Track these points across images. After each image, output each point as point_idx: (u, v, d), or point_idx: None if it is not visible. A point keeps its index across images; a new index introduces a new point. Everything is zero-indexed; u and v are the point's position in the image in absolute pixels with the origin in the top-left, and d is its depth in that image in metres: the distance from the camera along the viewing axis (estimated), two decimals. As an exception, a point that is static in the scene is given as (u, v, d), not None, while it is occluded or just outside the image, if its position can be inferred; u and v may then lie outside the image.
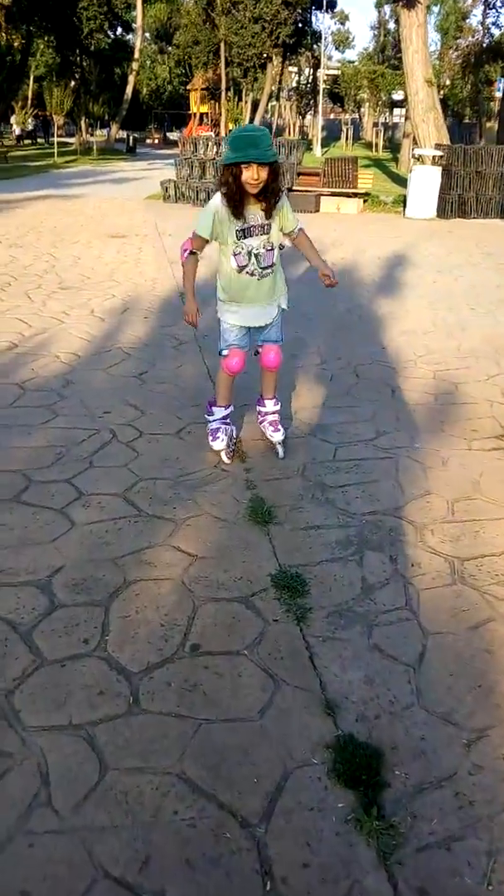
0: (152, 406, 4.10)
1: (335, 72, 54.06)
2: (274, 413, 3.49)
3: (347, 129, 42.38)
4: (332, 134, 52.58)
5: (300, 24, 34.10)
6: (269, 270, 3.12)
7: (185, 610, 2.35)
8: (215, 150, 15.16)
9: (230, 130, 3.28)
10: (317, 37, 41.66)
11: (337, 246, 10.06)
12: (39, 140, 40.13)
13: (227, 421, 3.45)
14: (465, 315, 6.43)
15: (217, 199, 2.97)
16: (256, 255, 3.05)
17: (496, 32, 36.92)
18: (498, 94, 40.21)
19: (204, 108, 40.05)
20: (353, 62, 58.37)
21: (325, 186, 14.36)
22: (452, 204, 13.99)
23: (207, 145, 15.31)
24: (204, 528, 2.85)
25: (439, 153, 14.17)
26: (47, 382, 4.42)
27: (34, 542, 2.72)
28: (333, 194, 14.39)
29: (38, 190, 16.70)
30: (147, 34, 47.15)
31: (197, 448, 3.55)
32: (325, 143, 42.69)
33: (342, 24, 62.97)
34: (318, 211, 14.20)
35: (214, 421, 3.43)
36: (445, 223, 13.38)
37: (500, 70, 38.88)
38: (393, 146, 38.41)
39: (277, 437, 3.45)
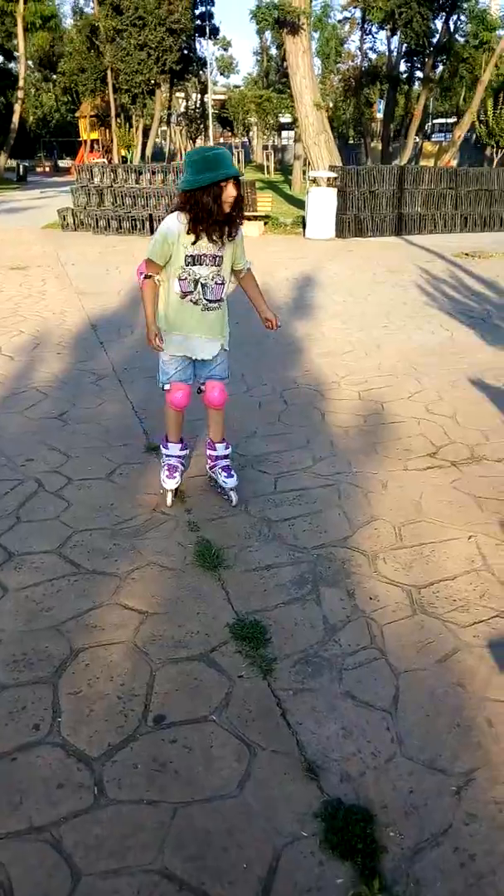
0: (77, 449, 3.89)
1: (222, 97, 54.98)
2: (225, 458, 3.28)
3: (238, 153, 43.06)
4: (224, 157, 53.22)
5: (185, 51, 34.44)
6: (215, 305, 2.98)
7: (143, 676, 2.18)
8: (112, 176, 14.98)
9: (187, 155, 2.90)
10: (202, 63, 42.25)
11: (244, 269, 10.08)
12: None
13: (182, 458, 3.29)
14: (378, 333, 6.54)
15: (171, 221, 2.82)
16: (203, 286, 2.92)
17: (373, 56, 38.54)
18: (379, 116, 42.03)
19: (94, 135, 39.67)
20: (238, 87, 59.58)
21: (225, 210, 14.43)
22: (350, 223, 14.37)
23: (104, 172, 15.11)
24: (151, 581, 2.68)
25: (333, 175, 14.54)
26: (-41, 431, 4.12)
27: (-36, 615, 2.47)
28: (234, 217, 14.47)
29: None
30: (30, 62, 46.38)
31: (131, 491, 3.38)
32: (219, 166, 43.10)
33: (225, 49, 64.22)
34: (220, 234, 14.24)
35: (171, 457, 3.25)
36: (345, 243, 13.73)
37: (378, 92, 40.66)
38: (284, 168, 39.34)
39: (231, 482, 3.24)
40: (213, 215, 2.72)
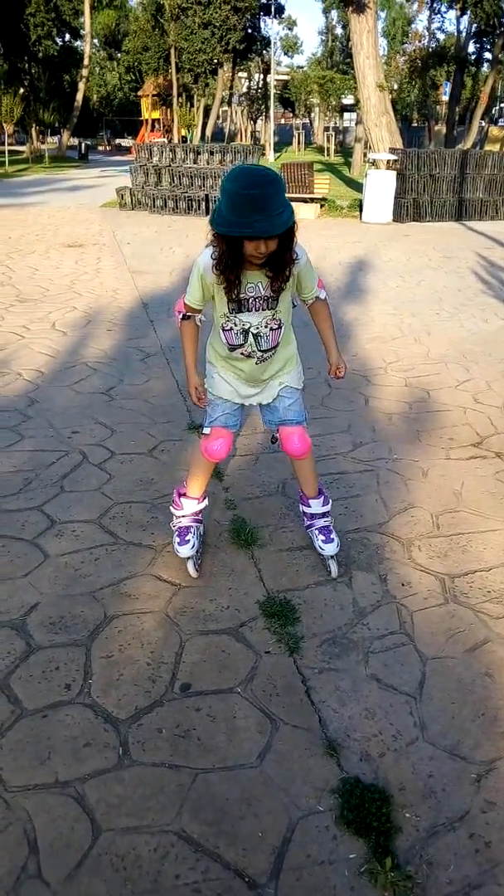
0: (122, 424, 3.96)
1: (285, 77, 54.41)
2: (324, 516, 2.67)
3: (299, 134, 42.63)
4: (283, 139, 52.88)
5: (250, 30, 34.17)
6: (271, 353, 2.36)
7: (172, 646, 2.23)
8: (170, 156, 15.03)
9: (231, 170, 2.06)
10: (266, 42, 41.82)
11: (297, 252, 10.01)
12: (-12, 148, 39.30)
13: (200, 518, 2.70)
14: (429, 320, 6.43)
15: (205, 258, 2.18)
16: (256, 336, 2.29)
17: (441, 37, 37.57)
18: (444, 98, 40.94)
19: (156, 115, 39.80)
20: (302, 67, 58.83)
21: (281, 192, 14.33)
22: (408, 208, 14.10)
23: (162, 152, 15.17)
24: (185, 555, 2.73)
25: (393, 157, 14.27)
26: (10, 402, 4.24)
27: (5, 577, 2.56)
28: (290, 199, 14.35)
29: (-11, 199, 16.31)
30: (96, 40, 46.72)
31: (172, 467, 3.43)
32: (278, 147, 42.87)
33: (290, 29, 63.43)
34: (275, 216, 14.16)
35: (183, 517, 2.63)
36: (402, 227, 13.48)
37: (445, 74, 39.60)
38: (344, 150, 38.77)
39: (329, 549, 2.61)
40: (229, 268, 2.12)
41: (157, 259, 9.25)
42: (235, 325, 2.27)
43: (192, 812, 1.69)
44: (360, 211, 14.43)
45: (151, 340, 5.62)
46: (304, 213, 14.42)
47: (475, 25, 29.17)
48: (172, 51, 31.11)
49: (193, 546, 2.58)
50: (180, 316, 2.39)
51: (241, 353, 2.33)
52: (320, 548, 2.63)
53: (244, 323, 2.26)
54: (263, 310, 2.25)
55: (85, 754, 1.83)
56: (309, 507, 2.66)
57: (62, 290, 7.26)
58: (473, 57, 33.84)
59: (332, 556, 2.62)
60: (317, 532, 2.65)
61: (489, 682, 2.12)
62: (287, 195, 2.06)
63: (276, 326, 2.31)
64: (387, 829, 1.65)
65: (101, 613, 2.38)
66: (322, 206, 14.99)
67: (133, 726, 1.92)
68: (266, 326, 2.29)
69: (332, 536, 2.62)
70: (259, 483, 3.32)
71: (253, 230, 1.95)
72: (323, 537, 2.63)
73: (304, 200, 14.43)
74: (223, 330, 2.29)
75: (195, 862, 1.58)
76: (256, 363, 2.36)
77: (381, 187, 13.82)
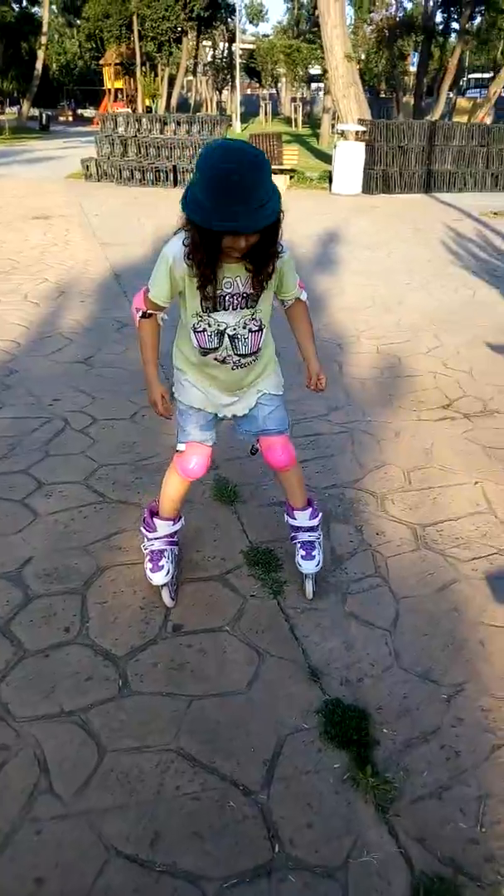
0: (102, 392, 4.05)
1: (250, 46, 53.50)
2: (310, 530, 2.37)
3: (266, 105, 42.14)
4: (250, 109, 52.15)
5: (214, -3, 33.58)
6: (251, 359, 2.05)
7: (163, 592, 2.37)
8: (136, 126, 14.84)
9: (208, 145, 1.68)
10: (230, 10, 41.08)
11: (268, 223, 10.06)
12: None
13: (175, 540, 2.40)
14: (400, 290, 6.58)
15: (175, 247, 1.86)
16: (232, 338, 1.98)
17: (409, 6, 37.35)
18: (412, 69, 40.78)
19: (118, 84, 38.93)
20: (267, 36, 57.89)
21: (250, 163, 14.29)
22: (377, 179, 14.17)
23: (128, 122, 14.97)
24: (171, 511, 2.86)
25: (362, 128, 14.30)
26: (-10, 371, 4.29)
27: (-1, 534, 2.67)
28: (259, 171, 14.34)
29: (-49, 170, 15.95)
30: (54, 6, 45.32)
31: (154, 432, 3.54)
32: (244, 118, 42.32)
33: (255, -4, 62.28)
34: (244, 188, 14.14)
35: (155, 540, 2.33)
36: (371, 199, 13.57)
37: (413, 44, 39.37)
38: (312, 121, 38.46)
39: (308, 567, 2.35)
40: (205, 262, 1.81)
41: (127, 231, 9.22)
42: (209, 326, 1.95)
43: (189, 733, 1.84)
44: (330, 182, 14.46)
45: (125, 311, 5.67)
46: (273, 185, 14.44)
47: (442, -5, 29.08)
48: (135, 18, 30.42)
49: (168, 572, 2.30)
50: (139, 314, 2.04)
51: (215, 359, 2.02)
52: (298, 563, 2.37)
53: (219, 323, 1.95)
54: (242, 308, 1.95)
55: (87, 687, 1.97)
56: (294, 518, 2.39)
57: (32, 262, 7.24)
58: (441, 27, 33.73)
59: (309, 575, 2.36)
60: (298, 546, 2.38)
61: (456, 617, 2.30)
62: None
63: (257, 328, 2.00)
64: (366, 743, 1.82)
65: (93, 565, 2.50)
66: (291, 177, 14.98)
67: (130, 662, 2.06)
68: (244, 328, 1.98)
69: (313, 553, 2.35)
70: (239, 446, 3.43)
71: (232, 224, 1.66)
72: (304, 552, 2.36)
73: (274, 172, 14.37)
74: (194, 331, 1.97)
75: (194, 775, 1.73)
76: (232, 369, 2.05)
77: (350, 159, 13.86)
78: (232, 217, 1.64)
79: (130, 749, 1.79)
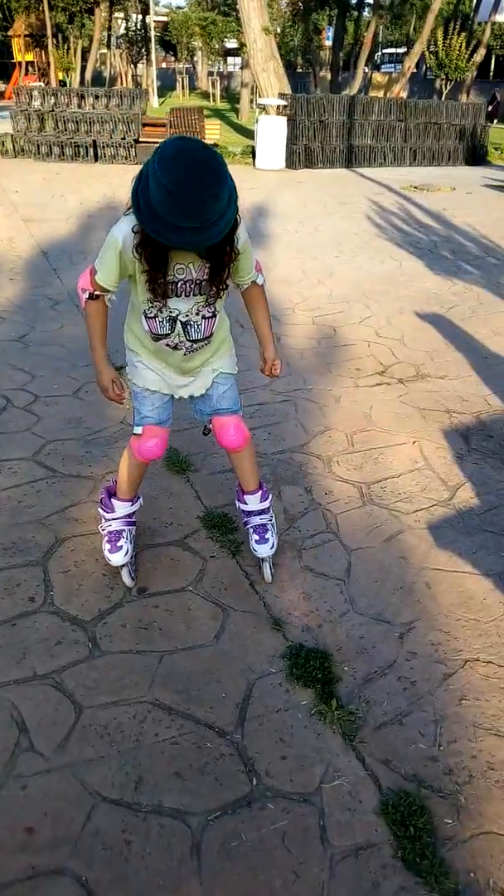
0: (42, 369, 4.01)
1: (164, 18, 52.31)
2: (261, 513, 2.34)
3: (183, 79, 41.42)
4: (166, 83, 51.09)
5: (125, -34, 32.60)
6: (203, 343, 2.03)
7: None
8: (53, 100, 14.39)
9: (167, 147, 1.60)
10: (143, -21, 39.99)
11: (195, 199, 10.01)
12: None
13: (133, 521, 2.38)
14: (330, 262, 6.71)
15: (124, 229, 1.79)
16: (185, 325, 1.94)
17: (322, -20, 37.21)
18: (328, 43, 40.83)
19: (29, 57, 37.42)
20: (182, 8, 56.69)
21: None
22: (300, 154, 14.24)
23: (44, 96, 14.48)
24: (124, 481, 2.90)
25: (283, 102, 14.30)
26: None
27: (-49, 513, 2.65)
28: (182, 147, 14.19)
29: None
30: (-45, -29, 43.00)
31: (99, 406, 3.54)
32: (161, 92, 41.47)
33: (167, -34, 60.76)
34: (168, 164, 13.98)
35: (113, 521, 2.32)
36: (295, 173, 13.64)
37: (327, 18, 39.41)
38: (230, 96, 38.10)
39: (262, 550, 2.31)
40: (157, 256, 1.78)
41: (50, 207, 9.00)
42: (161, 313, 1.91)
43: (162, 685, 1.92)
44: (253, 157, 14.44)
45: (57, 288, 5.59)
46: (196, 161, 14.31)
47: (355, -32, 29.15)
48: (44, -14, 29.21)
49: (127, 553, 2.28)
50: (86, 295, 1.95)
51: (167, 345, 1.99)
52: (253, 548, 2.33)
53: (171, 310, 1.91)
54: (195, 295, 1.90)
55: (57, 651, 2.02)
56: (245, 504, 2.33)
57: (-45, 242, 7.00)
58: (355, 1, 33.84)
59: (264, 559, 2.34)
60: (251, 531, 2.34)
61: (404, 563, 2.45)
62: None
63: (210, 315, 1.96)
64: (329, 680, 1.95)
65: (52, 537, 2.53)
66: (214, 153, 14.87)
67: (99, 625, 2.12)
68: (197, 314, 1.94)
69: (266, 536, 2.32)
70: (186, 417, 3.49)
71: (189, 240, 1.65)
72: (257, 537, 2.32)
73: (196, 147, 14.28)
74: (146, 317, 1.93)
75: (170, 722, 1.82)
76: (185, 354, 2.03)
77: (272, 133, 13.86)
78: (188, 234, 1.62)
79: (107, 704, 1.86)
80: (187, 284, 1.87)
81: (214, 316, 1.98)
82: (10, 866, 1.49)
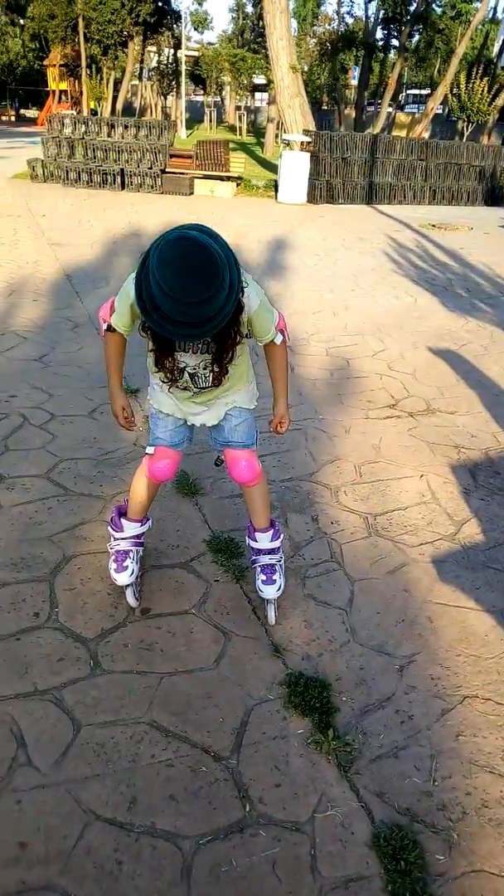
0: (59, 389, 4.09)
1: (195, 53, 53.71)
2: (271, 552, 2.29)
3: (210, 112, 42.37)
4: (194, 116, 52.31)
5: (160, 3, 33.61)
6: (212, 387, 2.05)
7: (129, 578, 2.45)
8: (83, 129, 14.77)
9: (163, 243, 1.63)
10: (176, 16, 41.20)
11: (218, 228, 10.18)
12: None
13: (141, 541, 2.39)
14: (346, 296, 6.80)
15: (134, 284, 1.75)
16: (192, 375, 1.99)
17: (350, 21, 38.21)
18: (353, 82, 41.70)
19: (63, 86, 38.50)
20: (212, 44, 58.21)
21: (197, 169, 14.42)
22: (321, 189, 14.50)
23: (75, 124, 14.88)
24: (133, 503, 2.94)
25: (307, 139, 14.60)
26: None
27: (-38, 526, 2.70)
28: (206, 177, 14.49)
29: None
30: (-4, 3, 44.49)
31: (113, 427, 3.59)
32: (189, 124, 42.43)
33: (200, 4, 62.62)
34: (192, 193, 14.24)
35: (122, 540, 2.32)
36: (316, 208, 13.87)
37: (354, 59, 40.31)
38: (256, 130, 38.90)
39: (268, 592, 2.25)
40: (162, 344, 1.90)
41: (76, 232, 9.20)
42: (168, 362, 1.95)
43: (160, 706, 1.93)
44: (276, 191, 14.71)
45: (79, 311, 5.70)
46: (220, 192, 14.58)
47: (383, 12, 29.91)
48: (80, 20, 30.18)
49: (133, 573, 2.28)
50: (105, 326, 2.02)
51: (177, 387, 2.05)
52: (259, 589, 2.27)
53: (179, 361, 1.95)
54: (203, 353, 1.93)
55: (59, 667, 2.04)
56: (255, 541, 2.29)
57: (-19, 262, 7.17)
58: (381, 43, 34.67)
59: (269, 601, 2.27)
60: (258, 570, 2.28)
61: (407, 596, 2.46)
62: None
63: (218, 368, 1.97)
64: (327, 710, 1.95)
65: (59, 554, 2.57)
66: (238, 184, 15.17)
67: (101, 643, 2.14)
68: (205, 368, 1.97)
69: (274, 578, 2.26)
70: (198, 441, 3.53)
71: (188, 335, 1.70)
72: (264, 577, 2.26)
73: (220, 178, 14.57)
74: (155, 362, 1.99)
75: (167, 744, 1.83)
76: (193, 395, 2.08)
77: (295, 168, 14.13)
78: (185, 329, 1.65)
79: (105, 723, 1.87)
80: (195, 344, 1.91)
81: (223, 369, 1.99)
82: (1, 880, 1.50)
